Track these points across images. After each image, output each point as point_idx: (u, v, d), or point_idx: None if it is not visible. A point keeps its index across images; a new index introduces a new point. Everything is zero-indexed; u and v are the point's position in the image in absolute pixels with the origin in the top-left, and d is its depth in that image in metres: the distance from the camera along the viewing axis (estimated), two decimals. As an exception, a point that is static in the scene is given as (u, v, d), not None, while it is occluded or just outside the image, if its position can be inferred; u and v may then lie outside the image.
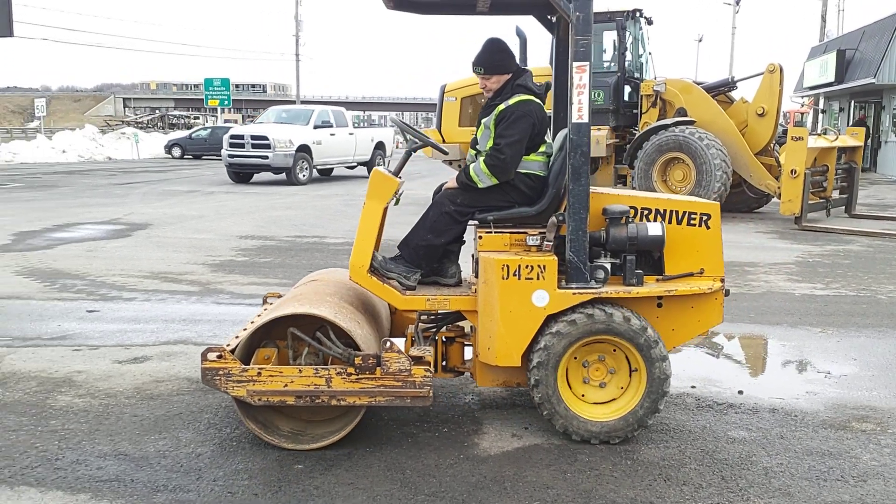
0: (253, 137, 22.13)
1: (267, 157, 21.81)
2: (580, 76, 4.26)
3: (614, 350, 4.49)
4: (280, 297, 5.48)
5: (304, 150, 22.49)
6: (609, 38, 16.30)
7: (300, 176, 22.47)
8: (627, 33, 15.92)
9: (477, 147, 4.86)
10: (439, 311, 4.86)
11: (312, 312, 4.29)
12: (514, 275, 4.36)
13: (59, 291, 8.35)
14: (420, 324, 4.99)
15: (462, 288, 4.79)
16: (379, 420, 4.83)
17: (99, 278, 9.09)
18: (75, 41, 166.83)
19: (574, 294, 4.39)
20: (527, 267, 4.36)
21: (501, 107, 4.68)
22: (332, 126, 23.78)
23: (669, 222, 4.59)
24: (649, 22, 16.73)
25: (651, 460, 4.29)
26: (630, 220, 4.58)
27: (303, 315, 4.31)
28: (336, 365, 4.32)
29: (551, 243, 4.50)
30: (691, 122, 14.94)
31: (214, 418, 4.82)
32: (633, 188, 15.21)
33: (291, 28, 57.45)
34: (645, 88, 15.88)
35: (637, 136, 15.53)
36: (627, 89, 16.40)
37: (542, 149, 4.78)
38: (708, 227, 4.60)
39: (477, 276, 4.58)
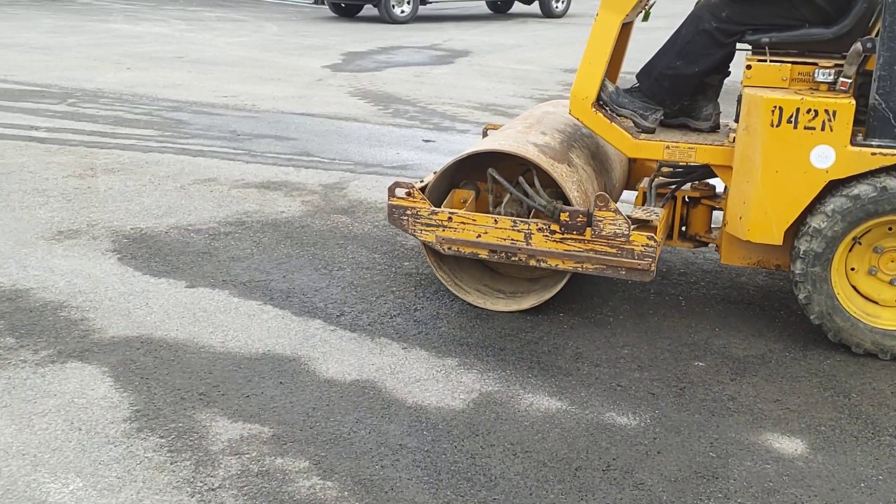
0: None
1: None
2: None
3: None
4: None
5: None
6: None
7: (397, 10, 16.27)
8: None
9: None
10: (682, 164, 3.78)
11: (513, 151, 3.46)
12: (790, 121, 3.17)
13: (392, 117, 8.04)
14: (658, 177, 3.91)
15: (717, 135, 3.64)
16: (790, 314, 3.81)
17: (429, 106, 8.67)
18: None
19: (874, 154, 3.14)
20: (809, 111, 3.16)
21: None
22: None
23: None
24: None
25: None
26: None
27: (507, 153, 3.50)
28: (539, 219, 3.48)
29: (850, 81, 3.21)
30: None
31: (584, 286, 4.07)
32: None
33: None
34: None
35: None
36: None
37: None
38: None
39: (736, 121, 3.38)
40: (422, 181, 3.86)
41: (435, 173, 3.92)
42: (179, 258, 4.28)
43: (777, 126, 3.23)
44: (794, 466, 2.68)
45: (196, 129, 7.20)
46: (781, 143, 3.24)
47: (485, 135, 4.69)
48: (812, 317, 3.36)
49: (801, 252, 3.29)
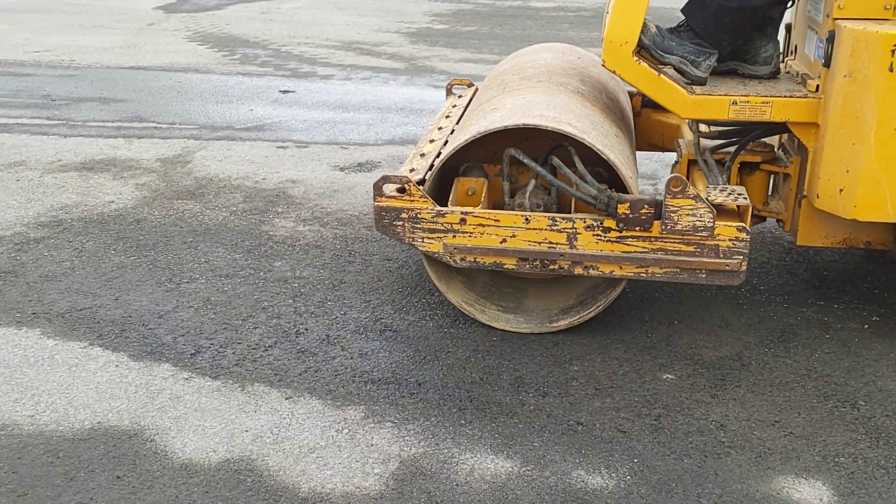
0: None
1: None
2: None
3: None
4: (471, 85, 3.81)
5: None
6: None
7: None
8: None
9: None
10: (745, 122, 2.97)
11: (553, 127, 2.59)
12: None
13: (241, 64, 6.92)
14: (700, 138, 3.13)
15: (787, 83, 2.93)
16: (752, 291, 3.18)
17: (283, 48, 7.58)
18: None
19: None
20: None
21: None
22: None
23: None
24: None
25: None
26: None
27: (526, 127, 2.63)
28: (585, 213, 2.69)
29: None
30: None
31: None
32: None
33: None
34: None
35: None
36: None
37: None
38: None
39: (826, 65, 2.69)
40: (412, 169, 2.89)
41: (422, 156, 2.99)
42: (-29, 284, 3.21)
43: None
44: (826, 527, 2.04)
45: (-2, 96, 5.89)
46: None
47: (449, 93, 3.78)
48: None
49: None
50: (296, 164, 4.51)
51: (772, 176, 3.11)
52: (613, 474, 2.20)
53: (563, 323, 2.84)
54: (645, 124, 3.61)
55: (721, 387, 2.58)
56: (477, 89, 3.72)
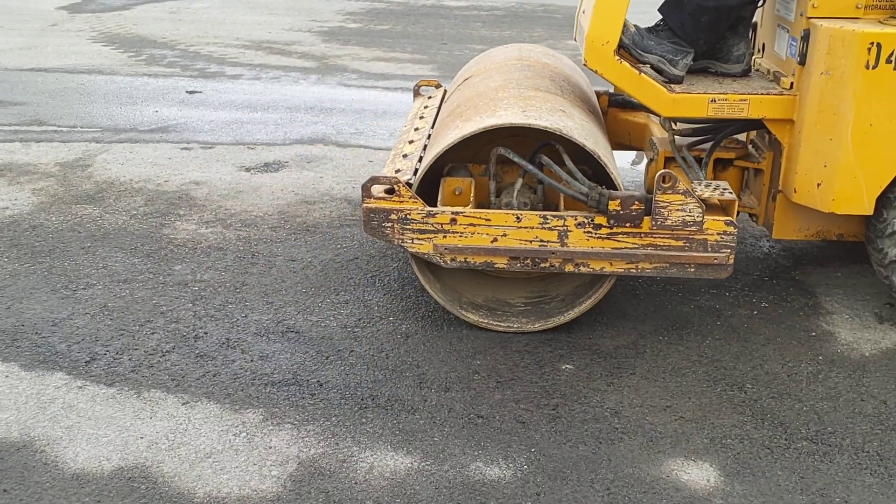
0: None
1: None
2: None
3: None
4: (438, 86, 3.81)
5: None
6: None
7: None
8: None
9: None
10: (722, 119, 3.01)
11: (544, 125, 2.61)
12: (889, 61, 2.60)
13: (147, 65, 6.75)
14: (675, 136, 3.17)
15: (761, 81, 3.01)
16: (646, 278, 3.27)
17: (191, 48, 7.43)
18: None
19: None
20: None
21: None
22: None
23: None
24: None
25: None
26: None
27: (513, 126, 2.65)
28: (576, 211, 2.72)
29: None
30: None
31: (406, 268, 3.32)
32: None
33: None
34: None
35: None
36: None
37: None
38: None
39: (802, 63, 2.79)
40: (398, 170, 2.84)
41: (405, 156, 2.94)
42: None
43: (873, 68, 2.60)
44: (712, 506, 2.12)
45: None
46: (879, 89, 2.61)
47: (416, 94, 3.73)
48: None
49: None
50: (200, 166, 4.43)
51: (744, 172, 3.19)
52: (511, 465, 2.24)
53: (470, 317, 2.86)
54: (612, 123, 3.62)
55: (617, 375, 2.65)
56: (446, 91, 3.72)
